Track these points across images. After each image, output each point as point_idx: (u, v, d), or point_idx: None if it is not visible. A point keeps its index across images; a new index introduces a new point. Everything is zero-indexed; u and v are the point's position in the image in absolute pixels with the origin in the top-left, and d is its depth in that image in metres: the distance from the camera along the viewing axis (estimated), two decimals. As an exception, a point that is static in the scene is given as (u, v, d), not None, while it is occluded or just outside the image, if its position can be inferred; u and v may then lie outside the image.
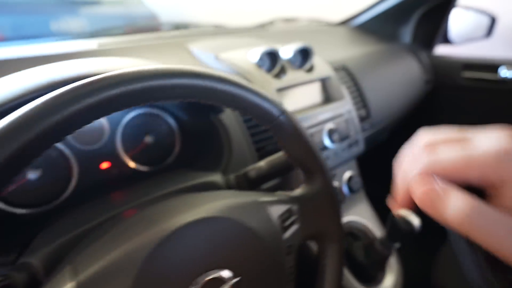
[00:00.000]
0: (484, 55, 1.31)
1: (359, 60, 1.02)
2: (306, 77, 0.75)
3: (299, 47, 0.74)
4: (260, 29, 1.27)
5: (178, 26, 1.29)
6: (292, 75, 0.73)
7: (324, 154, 0.70)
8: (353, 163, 0.84)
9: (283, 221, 0.37)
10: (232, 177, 0.51)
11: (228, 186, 0.51)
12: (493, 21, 1.56)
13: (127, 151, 0.61)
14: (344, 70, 0.90)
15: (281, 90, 0.70)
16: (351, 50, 1.08)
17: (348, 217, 0.79)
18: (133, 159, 0.61)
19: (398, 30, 1.43)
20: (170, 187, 0.48)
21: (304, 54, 0.78)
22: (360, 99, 0.89)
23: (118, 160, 0.60)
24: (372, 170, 1.81)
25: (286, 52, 0.75)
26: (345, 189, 0.80)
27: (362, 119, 0.87)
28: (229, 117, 0.60)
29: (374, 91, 0.97)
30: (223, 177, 0.52)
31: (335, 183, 0.78)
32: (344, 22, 1.53)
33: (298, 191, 0.41)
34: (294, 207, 0.39)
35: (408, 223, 0.64)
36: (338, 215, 0.42)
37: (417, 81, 1.26)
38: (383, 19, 1.42)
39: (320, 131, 0.70)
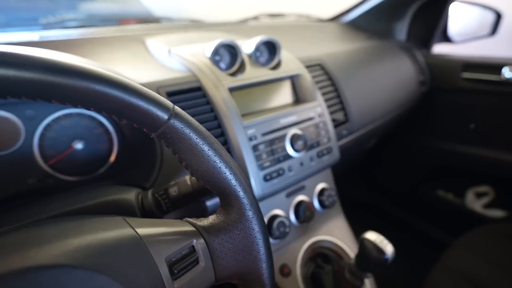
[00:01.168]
0: (486, 55, 1.19)
1: (342, 57, 0.92)
2: (270, 75, 0.65)
3: (261, 41, 0.65)
4: (241, 24, 1.18)
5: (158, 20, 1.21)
6: (254, 73, 0.63)
7: (287, 164, 0.60)
8: (327, 174, 0.73)
9: (174, 264, 0.28)
10: (149, 194, 0.41)
11: (142, 206, 0.41)
12: (498, 17, 1.44)
13: (47, 157, 0.52)
14: (320, 67, 0.80)
15: (235, 89, 0.60)
16: (334, 47, 0.98)
17: (319, 237, 0.69)
18: (55, 167, 0.52)
19: (392, 27, 1.32)
20: (70, 205, 0.39)
21: (271, 50, 0.68)
22: (338, 101, 0.78)
23: (36, 167, 0.51)
24: (360, 177, 1.72)
25: (247, 46, 0.66)
26: (316, 204, 0.70)
27: (339, 123, 0.77)
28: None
29: (357, 93, 0.86)
30: (141, 194, 0.42)
31: (303, 198, 0.68)
32: (335, 18, 1.43)
33: (207, 220, 0.31)
34: (199, 243, 0.29)
35: (380, 250, 0.54)
36: (266, 256, 0.32)
37: (411, 82, 1.15)
38: (376, 15, 1.31)
39: (283, 138, 0.60)
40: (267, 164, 0.57)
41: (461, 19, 1.43)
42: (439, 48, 1.42)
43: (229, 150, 0.55)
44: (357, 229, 1.57)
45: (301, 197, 0.67)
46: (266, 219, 0.61)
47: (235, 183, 0.30)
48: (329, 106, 0.75)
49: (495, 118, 1.15)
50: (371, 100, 0.91)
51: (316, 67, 0.79)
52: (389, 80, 1.03)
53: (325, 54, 0.87)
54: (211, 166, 0.28)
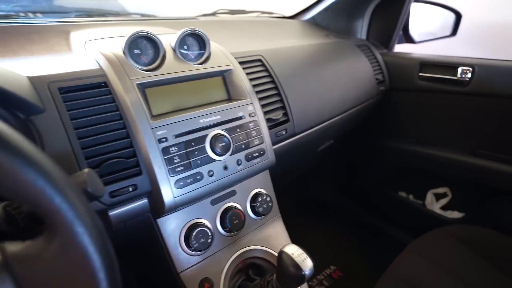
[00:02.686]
0: (442, 55, 1.18)
1: (290, 54, 0.87)
2: (195, 71, 0.59)
3: (184, 33, 0.59)
4: (193, 20, 1.12)
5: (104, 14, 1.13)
6: (176, 68, 0.57)
7: (206, 168, 0.54)
8: (263, 179, 0.68)
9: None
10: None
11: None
12: (458, 18, 1.43)
13: None
14: (261, 63, 0.75)
15: (150, 86, 0.54)
16: (285, 43, 0.93)
17: (251, 246, 0.64)
18: None
19: (352, 25, 1.29)
20: None
21: (201, 44, 0.63)
22: (278, 99, 0.74)
23: None
24: (326, 179, 1.69)
25: (168, 39, 0.60)
26: (249, 211, 0.65)
27: (278, 123, 0.72)
28: (48, 117, 0.44)
29: (303, 91, 0.82)
30: None
31: (233, 204, 0.62)
32: (296, 15, 1.39)
33: (17, 246, 0.25)
34: (3, 278, 0.23)
35: (297, 266, 0.50)
36: (107, 280, 0.26)
37: (368, 81, 1.12)
38: (335, 12, 1.27)
39: (202, 140, 0.55)
40: (180, 168, 0.51)
41: (422, 19, 1.42)
42: (402, 49, 1.40)
43: (134, 154, 0.49)
44: (324, 230, 1.55)
45: (230, 204, 0.62)
46: (184, 230, 0.56)
47: (61, 198, 0.24)
48: (266, 105, 0.70)
49: (451, 117, 1.13)
50: (319, 99, 0.86)
51: (256, 62, 0.74)
52: (342, 78, 0.99)
53: (271, 49, 0.83)
54: (20, 178, 0.22)
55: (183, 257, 0.56)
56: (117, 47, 0.55)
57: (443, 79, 1.10)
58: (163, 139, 0.51)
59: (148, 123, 0.50)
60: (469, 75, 1.05)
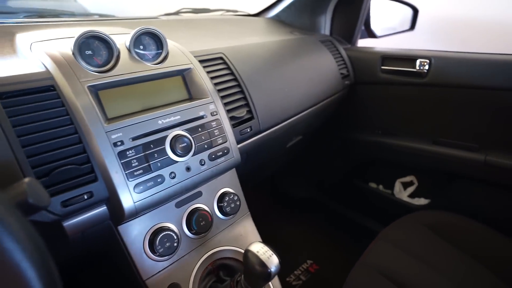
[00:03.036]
0: (402, 48, 1.22)
1: (253, 51, 0.87)
2: (152, 70, 0.57)
3: (138, 33, 0.57)
4: (153, 19, 1.08)
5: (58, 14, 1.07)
6: (131, 68, 0.55)
7: (168, 170, 0.53)
8: (230, 178, 0.67)
9: None
10: None
11: None
12: (416, 12, 1.50)
13: None
14: (222, 61, 0.74)
15: (103, 88, 0.51)
16: (248, 40, 0.92)
17: (220, 247, 0.63)
18: None
19: (315, 21, 1.31)
20: None
21: (158, 43, 0.61)
22: (241, 96, 0.73)
23: None
24: (298, 174, 1.71)
25: (123, 39, 0.58)
26: (216, 211, 0.64)
27: (243, 121, 0.72)
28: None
29: (267, 87, 0.82)
30: None
31: (199, 206, 0.61)
32: (261, 13, 1.39)
33: None
34: None
35: (263, 264, 0.49)
36: None
37: (333, 75, 1.14)
38: (298, 9, 1.29)
39: (162, 141, 0.53)
40: (139, 172, 0.50)
41: (382, 14, 1.46)
42: (365, 43, 1.44)
43: (88, 159, 0.47)
44: (299, 225, 1.57)
45: (196, 206, 0.61)
46: (148, 235, 0.54)
47: None
48: (229, 103, 0.70)
49: (413, 108, 1.18)
50: (284, 95, 0.87)
51: (217, 60, 0.73)
52: (307, 74, 1.00)
53: (234, 47, 0.82)
54: None
55: (148, 263, 0.54)
56: (67, 48, 0.52)
57: (403, 72, 1.14)
58: (119, 143, 0.48)
59: (101, 127, 0.48)
60: (426, 67, 1.10)
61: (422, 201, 1.28)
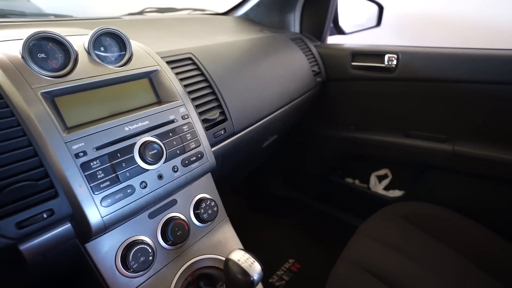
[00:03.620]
0: (371, 44, 1.24)
1: (222, 50, 0.84)
2: (114, 74, 0.53)
3: (96, 33, 0.53)
4: (115, 19, 1.03)
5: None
6: (92, 72, 0.51)
7: (138, 180, 0.49)
8: (206, 183, 0.65)
9: None
10: None
11: None
12: (381, 9, 1.53)
13: None
14: (191, 62, 0.71)
15: (60, 94, 0.47)
16: (217, 40, 0.90)
17: (199, 257, 0.60)
18: None
19: (285, 19, 1.30)
20: None
21: (121, 45, 0.57)
22: (213, 97, 0.70)
23: None
24: (276, 173, 1.71)
25: (81, 41, 0.53)
26: (193, 219, 0.61)
27: (216, 123, 0.69)
28: None
29: (239, 87, 0.79)
30: None
31: (175, 215, 0.58)
32: (229, 11, 1.36)
33: None
34: None
35: (245, 273, 0.47)
36: None
37: (305, 73, 1.14)
38: (267, 7, 1.28)
39: (130, 149, 0.50)
40: (106, 184, 0.46)
41: (350, 11, 1.49)
42: (334, 40, 1.46)
43: (46, 173, 0.42)
44: (279, 225, 1.56)
45: (171, 215, 0.57)
46: (120, 251, 0.50)
47: None
48: (200, 105, 0.67)
49: (384, 102, 1.20)
50: (257, 95, 0.85)
51: (186, 61, 0.70)
52: (279, 72, 0.99)
53: (202, 47, 0.79)
54: None
55: (122, 281, 0.50)
56: (15, 51, 0.47)
57: (373, 67, 1.16)
58: (81, 153, 0.44)
59: (60, 137, 0.43)
60: (394, 62, 1.12)
61: (396, 193, 1.31)
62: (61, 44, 0.50)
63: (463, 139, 1.08)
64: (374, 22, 1.56)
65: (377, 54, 1.16)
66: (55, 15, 1.01)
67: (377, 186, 1.36)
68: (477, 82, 1.00)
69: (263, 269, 0.45)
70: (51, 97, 0.46)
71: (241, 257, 0.45)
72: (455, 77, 1.04)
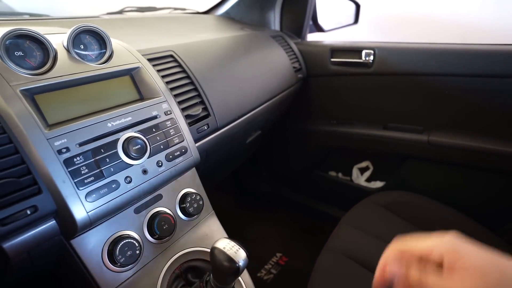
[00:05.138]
0: (349, 40, 1.28)
1: (204, 48, 0.85)
2: (95, 71, 0.53)
3: (75, 31, 0.53)
4: (94, 18, 1.02)
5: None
6: (72, 70, 0.51)
7: (122, 175, 0.50)
8: (191, 178, 0.66)
9: None
10: None
11: None
12: (358, 7, 1.58)
13: None
14: (173, 59, 0.71)
15: (40, 92, 0.47)
16: (199, 37, 0.91)
17: (186, 250, 0.61)
18: None
19: (265, 17, 1.32)
20: None
21: (101, 43, 0.57)
22: (196, 94, 0.71)
23: None
24: (260, 169, 1.73)
25: (61, 39, 0.53)
26: (179, 213, 0.62)
27: (199, 119, 0.70)
28: None
29: (221, 84, 0.81)
30: None
31: (161, 209, 0.59)
32: (210, 10, 1.37)
33: None
34: None
35: (230, 259, 0.48)
36: None
37: (286, 69, 1.16)
38: (247, 5, 1.29)
39: (113, 144, 0.50)
40: (90, 179, 0.46)
41: (328, 9, 1.52)
42: (314, 38, 1.49)
43: (29, 170, 0.42)
44: (265, 220, 1.58)
45: (157, 209, 0.58)
46: (106, 246, 0.50)
47: None
48: (183, 101, 0.68)
49: (363, 97, 1.24)
50: (239, 91, 0.86)
51: (167, 58, 0.71)
52: (260, 69, 1.01)
53: (184, 44, 0.80)
54: None
55: (109, 276, 0.51)
56: None
57: (351, 63, 1.20)
58: (64, 150, 0.45)
59: (41, 134, 0.43)
60: (371, 57, 1.16)
61: (378, 184, 1.36)
62: (39, 42, 0.50)
63: (438, 129, 1.13)
64: (352, 20, 1.60)
65: (355, 50, 1.20)
66: (30, 14, 0.99)
67: (359, 178, 1.40)
68: (448, 75, 1.05)
69: (248, 256, 0.47)
70: (31, 95, 0.46)
71: (226, 244, 0.46)
72: (428, 71, 1.08)
